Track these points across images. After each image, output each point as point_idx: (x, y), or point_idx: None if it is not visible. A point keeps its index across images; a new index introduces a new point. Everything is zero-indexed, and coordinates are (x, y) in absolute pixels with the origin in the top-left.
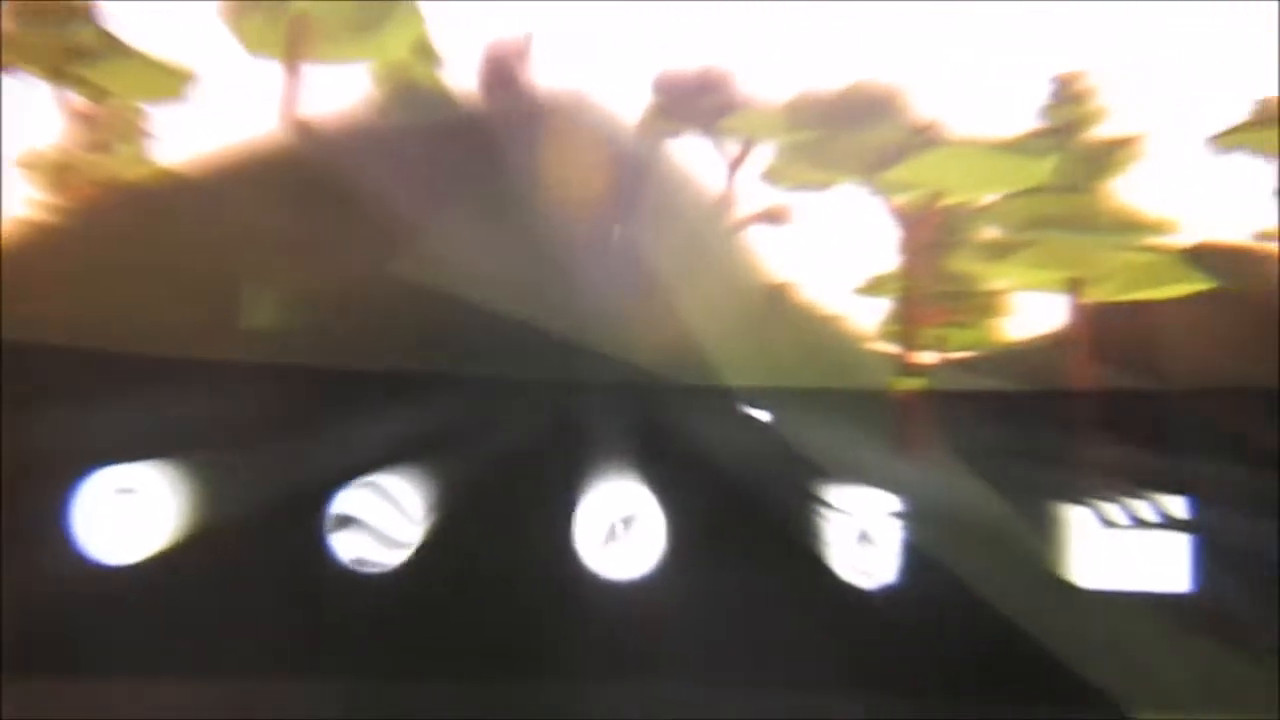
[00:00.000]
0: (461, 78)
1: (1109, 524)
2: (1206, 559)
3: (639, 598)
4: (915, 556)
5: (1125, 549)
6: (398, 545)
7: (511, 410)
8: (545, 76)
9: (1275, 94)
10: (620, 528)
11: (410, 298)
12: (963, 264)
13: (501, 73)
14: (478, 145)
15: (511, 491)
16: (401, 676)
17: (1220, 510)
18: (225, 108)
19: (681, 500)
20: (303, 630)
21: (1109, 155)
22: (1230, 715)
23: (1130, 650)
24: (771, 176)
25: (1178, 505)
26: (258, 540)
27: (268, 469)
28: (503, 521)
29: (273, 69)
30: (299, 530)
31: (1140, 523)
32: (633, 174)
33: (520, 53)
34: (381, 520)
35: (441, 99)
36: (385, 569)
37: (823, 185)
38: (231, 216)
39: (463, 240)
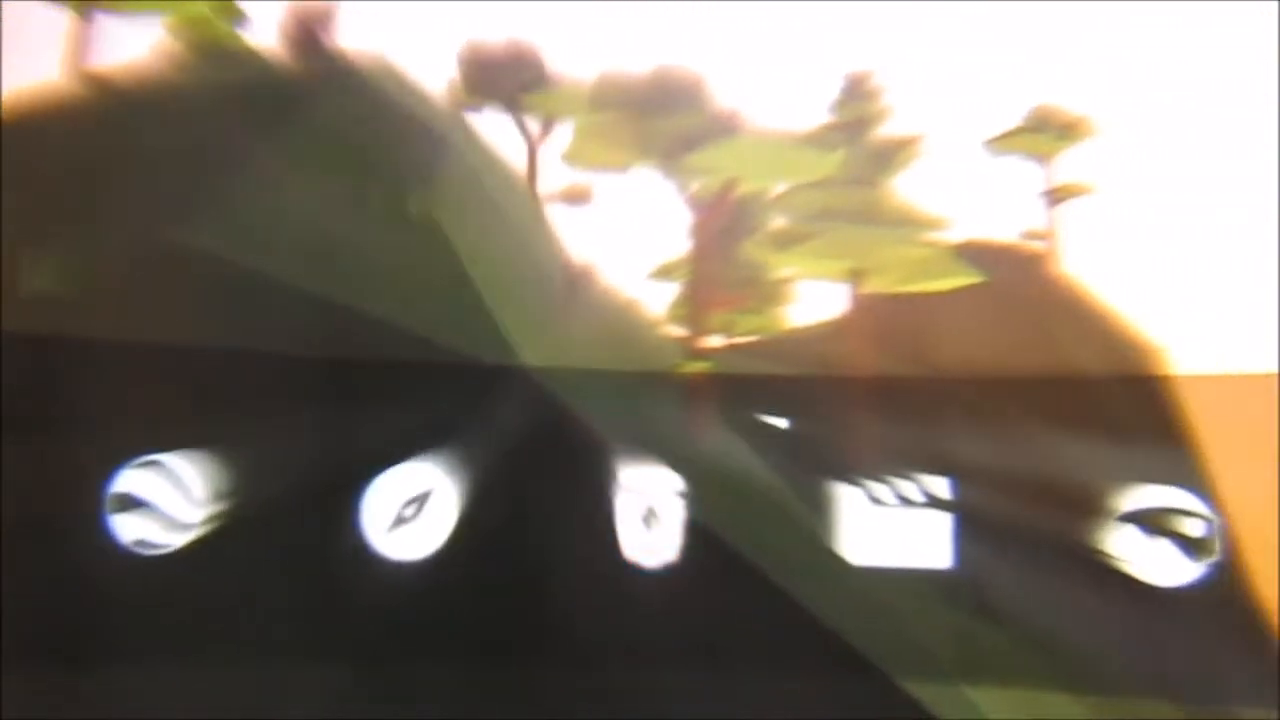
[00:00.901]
0: (264, 37)
1: (878, 502)
2: (966, 537)
3: (426, 579)
4: (699, 533)
5: (892, 526)
6: (181, 527)
7: (303, 387)
8: (350, 40)
9: (1050, 101)
10: (411, 509)
11: (199, 266)
12: (752, 252)
13: (305, 34)
14: (277, 107)
15: (300, 471)
16: (181, 663)
17: (980, 491)
18: (10, 54)
19: (473, 480)
20: (81, 616)
21: (893, 153)
22: (984, 682)
23: (896, 622)
24: (572, 156)
25: (941, 486)
26: (29, 523)
27: (42, 447)
28: (291, 502)
29: (63, 16)
30: (78, 512)
31: (906, 501)
32: (434, 145)
33: (325, 14)
34: (164, 501)
35: (242, 57)
36: (167, 551)
37: (622, 168)
38: (11, 171)
39: (257, 206)
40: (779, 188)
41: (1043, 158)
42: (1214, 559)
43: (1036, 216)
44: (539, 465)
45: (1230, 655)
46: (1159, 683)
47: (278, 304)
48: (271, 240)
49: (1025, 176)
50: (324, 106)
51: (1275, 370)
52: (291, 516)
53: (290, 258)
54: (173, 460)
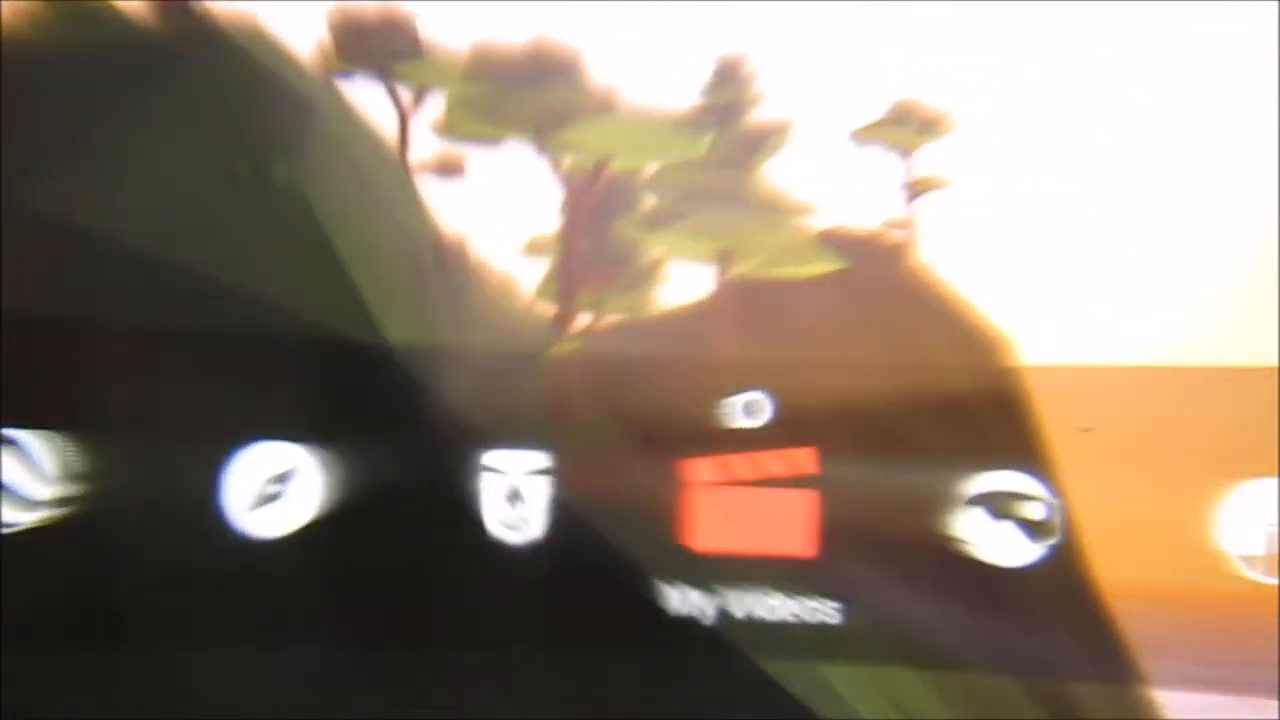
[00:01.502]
0: None
1: (736, 483)
2: (821, 519)
3: (288, 559)
4: (561, 512)
5: (750, 507)
6: (31, 505)
7: (161, 361)
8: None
9: (912, 96)
10: (273, 488)
11: (53, 231)
12: (624, 231)
13: None
14: (139, 67)
15: (159, 447)
16: (33, 647)
17: (835, 475)
18: None
19: (337, 458)
20: None
21: (762, 138)
22: (837, 659)
23: (752, 602)
24: (443, 127)
25: (806, 463)
26: None
27: None
28: (149, 479)
29: None
30: None
31: (765, 483)
32: (302, 111)
33: None
34: (14, 478)
35: (103, 14)
36: (16, 530)
37: (494, 140)
38: None
39: (115, 171)
40: (651, 167)
41: (904, 150)
42: (1053, 540)
43: (897, 207)
44: (404, 442)
45: (1065, 631)
46: (1000, 658)
47: (135, 273)
48: (130, 207)
49: (888, 168)
50: (188, 67)
51: (1114, 364)
52: (150, 494)
53: (149, 224)
54: (23, 436)
